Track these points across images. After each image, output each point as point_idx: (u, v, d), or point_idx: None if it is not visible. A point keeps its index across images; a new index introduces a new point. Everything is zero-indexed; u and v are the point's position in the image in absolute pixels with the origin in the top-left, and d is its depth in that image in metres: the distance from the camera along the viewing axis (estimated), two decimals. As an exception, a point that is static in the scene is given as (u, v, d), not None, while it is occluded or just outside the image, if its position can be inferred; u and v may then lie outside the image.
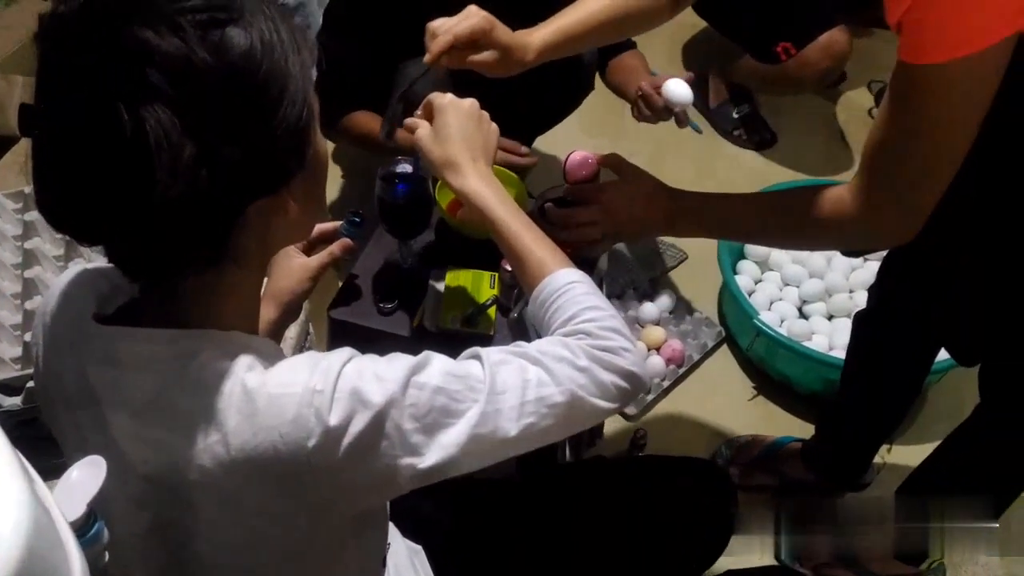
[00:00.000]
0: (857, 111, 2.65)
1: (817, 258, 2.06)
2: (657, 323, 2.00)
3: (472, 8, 1.08)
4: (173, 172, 0.65)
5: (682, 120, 1.50)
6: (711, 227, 1.18)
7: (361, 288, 1.25)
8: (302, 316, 1.42)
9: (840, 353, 1.88)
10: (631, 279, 2.08)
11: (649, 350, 1.94)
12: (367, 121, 1.71)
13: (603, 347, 0.85)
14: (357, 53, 1.62)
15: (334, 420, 0.72)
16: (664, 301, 2.04)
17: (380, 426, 0.74)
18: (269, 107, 0.72)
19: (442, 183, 1.33)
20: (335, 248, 1.13)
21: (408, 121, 1.02)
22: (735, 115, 2.56)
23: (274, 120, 0.72)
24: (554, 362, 0.83)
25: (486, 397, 0.79)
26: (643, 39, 1.73)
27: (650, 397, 1.87)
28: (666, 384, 1.90)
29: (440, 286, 1.24)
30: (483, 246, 1.12)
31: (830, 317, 2.01)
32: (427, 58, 1.06)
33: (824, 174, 2.43)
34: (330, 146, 1.71)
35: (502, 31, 1.09)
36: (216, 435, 0.72)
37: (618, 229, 1.17)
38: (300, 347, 1.39)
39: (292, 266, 1.13)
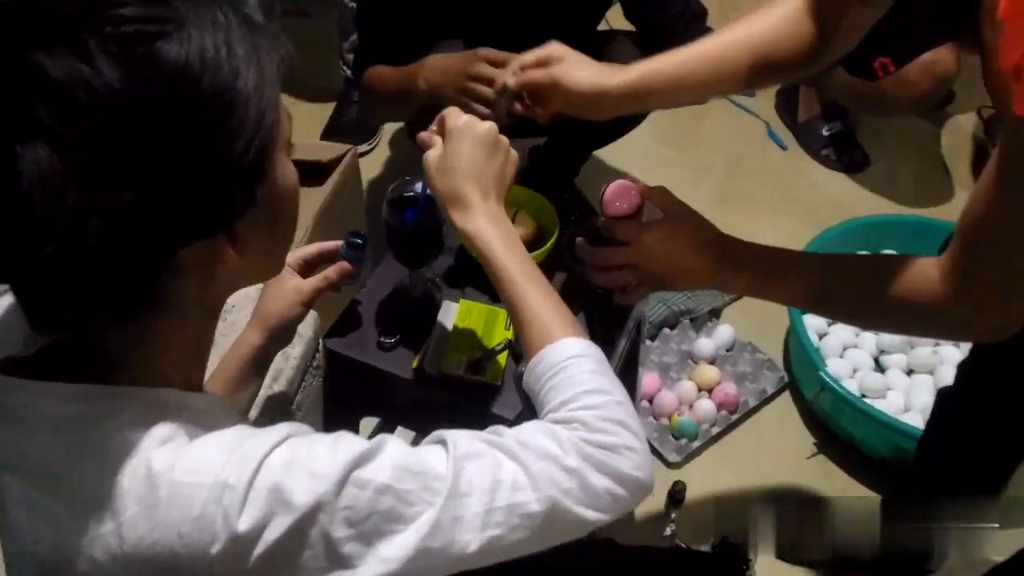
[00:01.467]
0: (963, 137, 2.39)
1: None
2: (712, 361, 1.82)
3: (553, 43, 1.08)
4: (48, 224, 0.54)
5: None
6: (764, 287, 0.99)
7: (363, 317, 1.12)
8: (310, 333, 1.30)
9: (916, 417, 1.67)
10: (688, 307, 1.89)
11: (700, 391, 1.76)
12: (389, 74, 1.50)
13: (600, 443, 0.70)
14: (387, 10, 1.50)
15: (244, 524, 0.59)
16: (723, 336, 1.85)
17: (303, 533, 0.60)
18: (204, 136, 0.60)
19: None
20: (331, 272, 1.03)
21: (421, 136, 0.89)
22: (825, 132, 2.34)
23: (211, 151, 0.60)
24: (536, 459, 0.68)
25: (444, 500, 0.64)
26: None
27: (695, 444, 1.69)
28: (715, 431, 1.72)
29: (448, 322, 1.09)
30: None
31: (909, 372, 1.80)
32: (495, 87, 1.06)
33: (920, 205, 2.19)
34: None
35: (564, 50, 1.07)
36: (111, 524, 0.60)
37: (657, 277, 1.01)
38: (304, 371, 1.27)
39: (283, 288, 1.01)
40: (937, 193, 2.26)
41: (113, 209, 0.55)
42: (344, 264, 1.03)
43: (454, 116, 0.87)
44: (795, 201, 2.24)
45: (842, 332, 1.84)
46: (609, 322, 1.15)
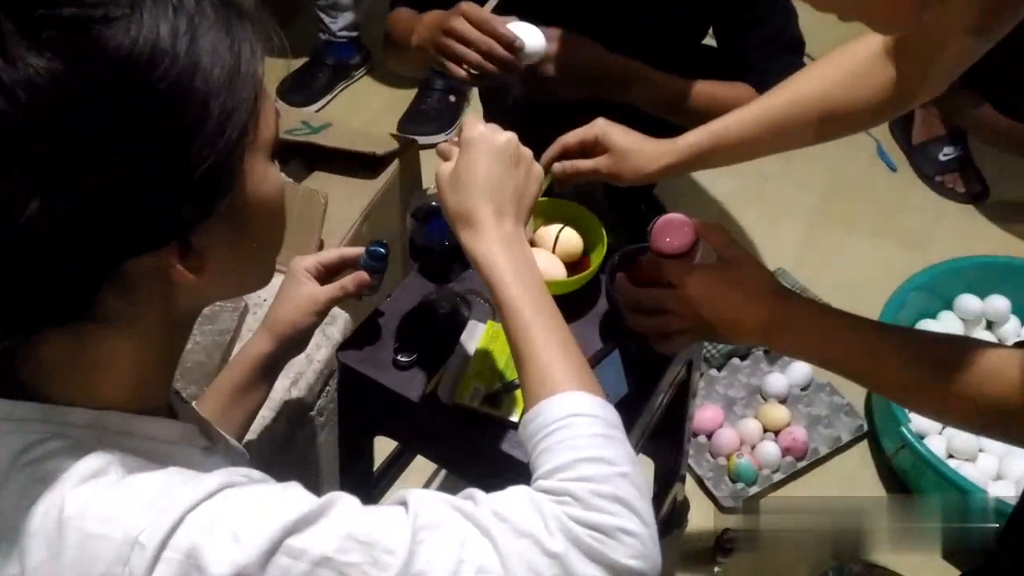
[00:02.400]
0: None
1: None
2: (783, 400, 1.67)
3: (599, 122, 1.05)
4: None
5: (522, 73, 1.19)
6: (821, 354, 0.87)
7: (382, 330, 1.04)
8: (338, 336, 1.23)
9: (1008, 487, 1.49)
10: (764, 339, 1.74)
11: (765, 432, 1.62)
12: (402, 23, 1.34)
13: (593, 524, 0.59)
14: None
15: None
16: (798, 372, 1.69)
17: None
18: (151, 137, 0.53)
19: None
20: (348, 282, 0.96)
21: (440, 148, 0.81)
22: (942, 157, 2.13)
23: (159, 155, 0.53)
24: (513, 537, 0.58)
25: None
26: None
27: (753, 490, 1.55)
28: (777, 478, 1.57)
29: (471, 346, 1.00)
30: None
31: (1009, 434, 1.60)
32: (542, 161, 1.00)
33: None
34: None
35: (619, 135, 1.04)
36: (16, 567, 0.54)
37: (702, 327, 0.91)
38: (329, 376, 1.20)
39: (297, 294, 0.95)
40: (1064, 235, 2.02)
41: (42, 213, 0.50)
42: (362, 274, 0.95)
43: (471, 125, 0.77)
44: (899, 229, 2.05)
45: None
46: (650, 363, 1.03)
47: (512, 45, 1.14)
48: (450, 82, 2.23)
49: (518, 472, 0.92)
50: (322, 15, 2.29)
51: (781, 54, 1.37)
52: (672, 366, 1.06)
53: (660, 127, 1.14)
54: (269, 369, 0.95)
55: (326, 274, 0.97)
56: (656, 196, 1.97)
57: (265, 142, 0.60)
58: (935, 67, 0.91)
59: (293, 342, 0.95)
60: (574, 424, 0.65)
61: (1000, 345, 0.81)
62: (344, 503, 0.58)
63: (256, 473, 0.62)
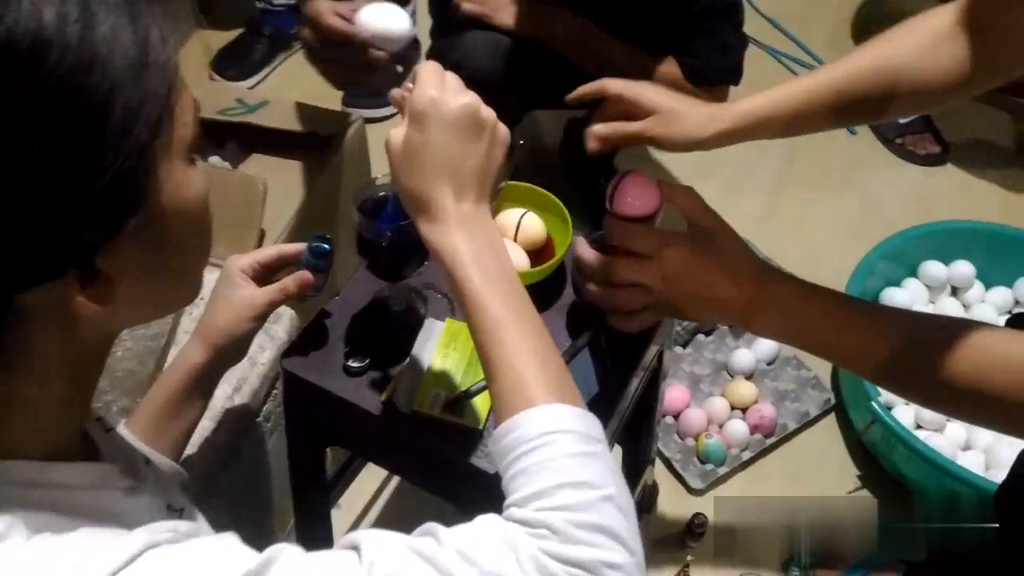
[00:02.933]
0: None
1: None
2: (750, 376, 1.63)
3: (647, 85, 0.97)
4: None
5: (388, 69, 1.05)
6: (807, 340, 0.80)
7: (330, 332, 0.95)
8: (283, 336, 1.15)
9: (977, 457, 1.48)
10: (729, 313, 1.69)
11: (732, 409, 1.58)
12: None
13: (574, 560, 0.52)
14: None
15: None
16: (764, 347, 1.65)
17: None
18: (37, 143, 0.45)
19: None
20: (290, 283, 0.87)
21: (392, 95, 0.70)
22: (902, 119, 2.09)
23: (47, 165, 0.45)
24: None
25: None
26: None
27: (722, 470, 1.51)
28: (746, 456, 1.53)
29: (429, 347, 0.93)
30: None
31: (976, 402, 1.58)
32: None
33: (1004, 212, 1.94)
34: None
35: (660, 96, 0.95)
36: None
37: (674, 303, 0.82)
38: (275, 379, 1.12)
39: (232, 299, 0.86)
40: (1024, 196, 2.01)
41: None
42: (304, 274, 0.87)
43: (422, 84, 0.65)
44: (861, 193, 2.01)
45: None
46: (622, 352, 0.97)
47: (361, 44, 1.01)
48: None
49: (484, 483, 0.86)
50: None
51: (715, 33, 1.40)
52: (647, 350, 1.01)
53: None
54: (205, 381, 0.87)
55: (264, 273, 0.89)
56: (616, 166, 1.91)
57: (182, 141, 0.52)
58: (1007, 43, 0.85)
59: (230, 351, 0.87)
60: (553, 443, 0.58)
61: (992, 326, 0.76)
62: (287, 556, 0.50)
63: (184, 525, 0.55)
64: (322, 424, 0.97)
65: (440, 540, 0.53)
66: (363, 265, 0.98)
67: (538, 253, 1.02)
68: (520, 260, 0.99)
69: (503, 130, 0.68)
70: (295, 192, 1.35)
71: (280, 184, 1.32)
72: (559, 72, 1.43)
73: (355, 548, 0.52)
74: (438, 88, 0.65)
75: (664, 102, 0.94)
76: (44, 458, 0.54)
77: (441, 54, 1.46)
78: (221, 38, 2.24)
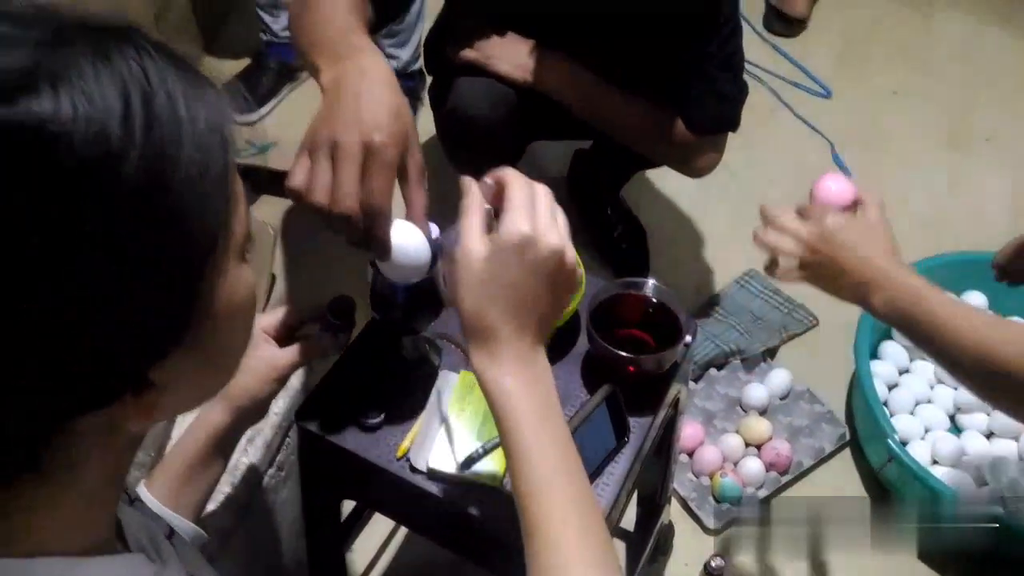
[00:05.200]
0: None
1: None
2: (763, 412, 1.61)
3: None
4: None
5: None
6: (915, 329, 0.89)
7: (344, 387, 0.94)
8: (297, 384, 1.14)
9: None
10: (740, 346, 1.68)
11: (747, 447, 1.56)
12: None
13: None
14: None
15: None
16: (777, 381, 1.64)
17: None
18: (95, 262, 0.40)
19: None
20: (311, 344, 0.86)
21: (473, 190, 0.64)
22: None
23: (107, 283, 0.41)
24: None
25: None
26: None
27: (739, 510, 1.49)
28: (762, 495, 1.52)
29: (444, 401, 0.92)
30: None
31: (990, 435, 1.56)
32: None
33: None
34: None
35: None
36: None
37: (822, 267, 0.97)
38: (288, 429, 1.11)
39: (255, 360, 0.85)
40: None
41: None
42: (325, 335, 0.86)
43: (517, 213, 0.61)
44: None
45: (915, 385, 1.62)
46: (644, 397, 0.96)
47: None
48: (407, 83, 2.12)
49: (502, 542, 0.85)
50: (263, 14, 2.16)
51: (716, 81, 1.39)
52: (669, 390, 1.00)
53: None
54: (226, 442, 0.85)
55: (285, 332, 0.87)
56: (622, 198, 1.90)
57: (238, 239, 0.49)
58: None
59: (251, 412, 0.85)
60: None
61: None
62: None
63: None
64: (338, 480, 0.95)
65: None
66: (376, 317, 0.97)
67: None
68: (535, 310, 0.98)
69: (579, 274, 0.67)
70: (305, 236, 1.34)
71: (290, 228, 1.31)
72: (560, 108, 1.43)
73: None
74: (531, 222, 0.62)
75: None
76: (82, 553, 0.52)
77: (440, 99, 1.45)
78: (227, 69, 2.24)
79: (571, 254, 0.64)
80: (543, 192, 0.64)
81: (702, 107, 1.41)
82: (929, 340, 0.89)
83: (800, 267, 0.98)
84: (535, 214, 0.62)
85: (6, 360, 0.40)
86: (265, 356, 0.84)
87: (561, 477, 0.60)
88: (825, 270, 0.96)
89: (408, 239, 0.76)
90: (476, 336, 0.62)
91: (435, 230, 0.78)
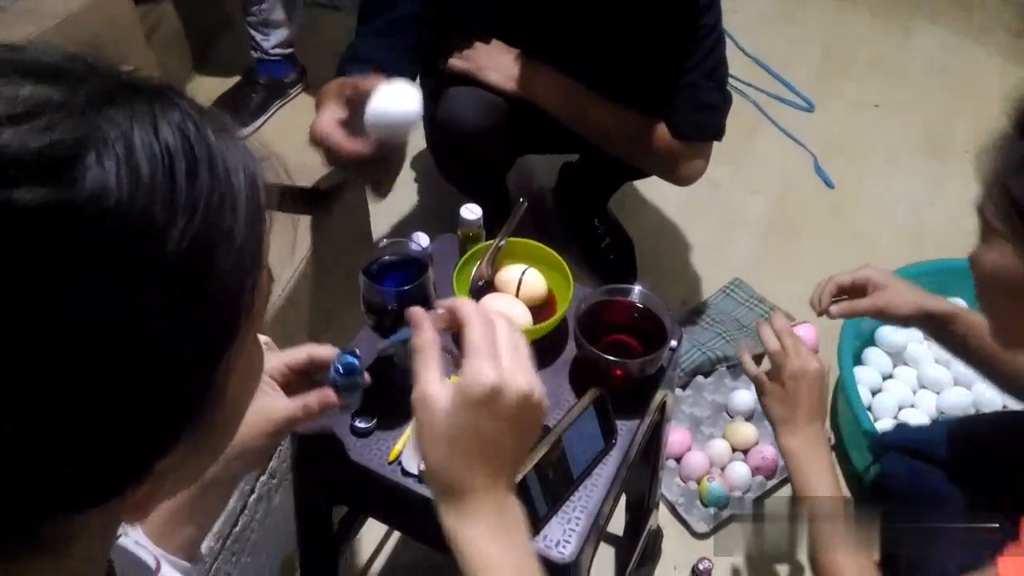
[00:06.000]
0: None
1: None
2: (749, 417, 1.64)
3: (867, 267, 1.16)
4: None
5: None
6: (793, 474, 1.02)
7: (338, 393, 0.96)
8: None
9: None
10: (726, 353, 1.71)
11: (734, 451, 1.58)
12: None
13: None
14: None
15: None
16: (763, 388, 1.66)
17: None
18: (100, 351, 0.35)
19: (462, 264, 1.03)
20: (313, 400, 0.77)
21: (434, 318, 0.62)
22: None
23: (118, 371, 0.36)
24: None
25: None
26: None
27: (726, 513, 1.52)
28: (748, 499, 1.54)
29: (436, 407, 0.93)
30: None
31: (974, 439, 1.59)
32: (812, 303, 1.17)
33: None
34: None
35: (886, 276, 1.14)
36: None
37: (783, 395, 1.04)
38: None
39: (251, 411, 0.80)
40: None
41: None
42: (329, 394, 0.77)
43: (479, 364, 0.57)
44: (847, 233, 2.04)
45: (898, 390, 1.65)
46: (630, 402, 0.99)
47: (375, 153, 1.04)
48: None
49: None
50: (253, 32, 2.19)
51: (700, 88, 1.43)
52: (654, 396, 1.02)
53: None
54: (222, 487, 0.78)
55: (293, 378, 0.79)
56: (609, 210, 1.93)
57: (259, 314, 0.44)
58: None
59: (247, 463, 0.77)
60: None
61: None
62: None
63: None
64: (331, 485, 0.97)
65: None
66: (367, 324, 0.99)
67: (539, 308, 1.04)
68: (523, 317, 1.01)
69: (546, 408, 0.61)
70: (298, 246, 1.37)
71: (276, 243, 1.33)
72: (550, 120, 1.46)
73: None
74: (496, 369, 0.57)
75: (889, 280, 1.14)
76: None
77: (430, 109, 1.48)
78: (217, 86, 2.26)
79: (539, 390, 0.59)
80: (502, 326, 0.60)
81: (688, 116, 1.44)
82: (796, 487, 1.02)
83: (767, 389, 1.05)
84: (498, 355, 0.58)
85: (14, 455, 0.36)
86: (262, 407, 0.75)
87: None
88: (777, 400, 1.04)
89: (388, 99, 0.88)
90: (445, 492, 0.58)
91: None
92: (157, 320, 0.36)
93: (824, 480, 0.99)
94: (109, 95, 0.37)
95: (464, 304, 0.61)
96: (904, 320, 1.14)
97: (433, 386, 0.58)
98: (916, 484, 1.10)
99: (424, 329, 0.60)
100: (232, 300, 0.40)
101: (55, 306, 0.34)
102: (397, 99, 0.96)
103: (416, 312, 0.62)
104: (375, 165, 1.05)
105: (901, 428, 1.22)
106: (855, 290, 1.16)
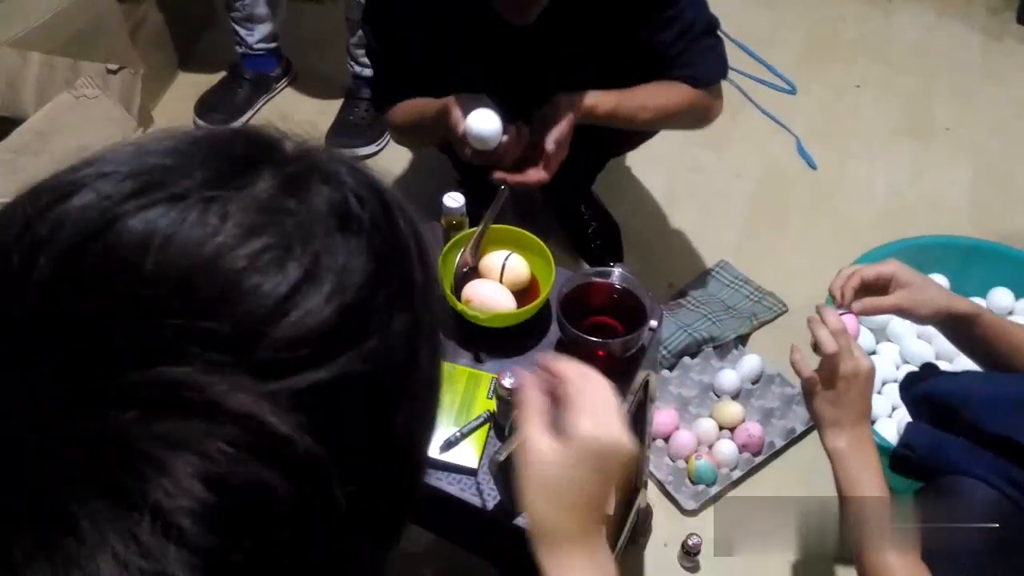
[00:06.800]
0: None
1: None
2: (736, 396, 1.67)
3: (892, 261, 1.13)
4: None
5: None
6: (837, 475, 1.03)
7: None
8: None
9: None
10: (712, 334, 1.74)
11: (721, 430, 1.61)
12: (418, 105, 1.47)
13: None
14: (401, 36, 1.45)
15: None
16: (748, 367, 1.69)
17: None
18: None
19: (446, 252, 1.06)
20: None
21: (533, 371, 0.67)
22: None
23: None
24: None
25: None
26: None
27: (714, 490, 1.55)
28: (736, 475, 1.57)
29: (423, 390, 0.96)
30: (493, 336, 0.91)
31: (956, 412, 1.62)
32: (835, 295, 1.12)
33: (979, 227, 1.99)
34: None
35: (910, 273, 1.10)
36: None
37: (828, 393, 1.04)
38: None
39: None
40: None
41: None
42: None
43: (585, 410, 0.62)
44: (832, 213, 2.07)
45: (881, 366, 1.67)
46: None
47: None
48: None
49: (478, 519, 0.90)
50: (238, 28, 2.20)
51: (698, 41, 1.47)
52: (636, 377, 1.05)
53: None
54: None
55: None
56: (595, 194, 1.95)
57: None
58: None
59: None
60: None
61: None
62: None
63: None
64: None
65: None
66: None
67: (523, 292, 1.07)
68: (507, 302, 1.03)
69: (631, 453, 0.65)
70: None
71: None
72: (534, 103, 1.48)
73: None
74: (604, 427, 0.62)
75: (914, 278, 1.11)
76: None
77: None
78: (203, 82, 2.28)
79: (634, 446, 0.64)
80: (603, 386, 0.65)
81: (698, 65, 1.48)
82: (839, 488, 1.03)
83: (817, 385, 1.03)
84: (605, 415, 0.63)
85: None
86: None
87: None
88: (828, 402, 1.02)
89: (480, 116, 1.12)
90: (546, 538, 0.63)
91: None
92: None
93: (871, 480, 0.99)
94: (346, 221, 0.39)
95: (562, 363, 0.66)
96: (925, 320, 1.12)
97: (541, 439, 0.62)
98: (940, 460, 1.05)
99: (528, 386, 0.65)
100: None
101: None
102: (485, 121, 1.23)
103: (519, 372, 0.68)
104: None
105: (930, 370, 1.21)
106: (878, 285, 1.13)
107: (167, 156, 0.37)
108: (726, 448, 1.57)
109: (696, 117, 1.57)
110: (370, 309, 0.37)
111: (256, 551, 0.33)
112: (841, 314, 1.06)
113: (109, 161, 0.37)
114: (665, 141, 1.78)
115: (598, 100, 1.40)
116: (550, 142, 1.31)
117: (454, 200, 1.12)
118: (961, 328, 1.12)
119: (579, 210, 1.92)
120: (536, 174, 1.33)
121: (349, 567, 0.39)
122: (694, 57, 1.48)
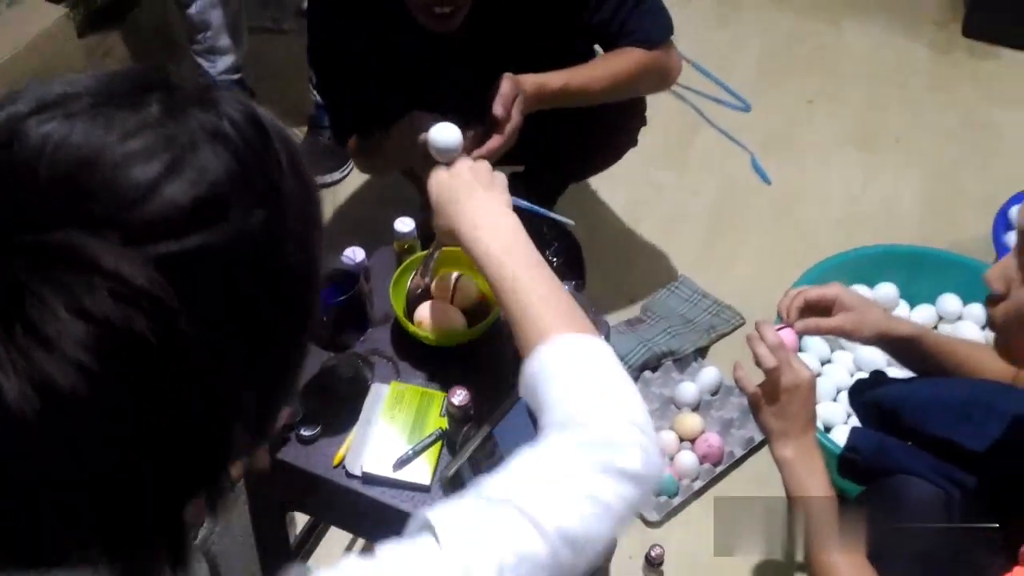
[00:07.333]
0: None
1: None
2: (696, 407, 1.70)
3: (835, 285, 1.18)
4: None
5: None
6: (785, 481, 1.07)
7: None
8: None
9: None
10: (672, 348, 1.78)
11: (681, 441, 1.65)
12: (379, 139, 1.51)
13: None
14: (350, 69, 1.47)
15: None
16: (707, 378, 1.73)
17: None
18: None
19: (398, 275, 1.09)
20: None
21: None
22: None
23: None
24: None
25: None
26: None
27: (676, 501, 1.58)
28: (697, 486, 1.60)
29: (376, 411, 0.99)
30: (446, 356, 0.94)
31: (909, 416, 1.67)
32: (782, 314, 1.17)
33: (928, 235, 2.05)
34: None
35: (853, 297, 1.16)
36: None
37: (771, 408, 1.07)
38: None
39: None
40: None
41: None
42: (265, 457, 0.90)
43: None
44: (788, 225, 2.12)
45: (836, 374, 1.72)
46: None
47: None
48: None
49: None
50: (200, 60, 2.23)
51: (637, 8, 1.49)
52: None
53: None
54: None
55: None
56: (554, 215, 1.99)
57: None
58: None
59: None
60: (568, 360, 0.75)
61: None
62: None
63: None
64: (281, 491, 1.02)
65: (501, 482, 0.64)
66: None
67: (475, 311, 1.10)
68: (457, 321, 1.06)
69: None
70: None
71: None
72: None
73: (426, 528, 0.58)
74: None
75: (857, 302, 1.15)
76: None
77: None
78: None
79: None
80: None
81: (647, 28, 1.50)
82: (788, 491, 1.07)
83: (759, 401, 1.07)
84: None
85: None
86: None
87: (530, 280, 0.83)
88: (773, 414, 1.06)
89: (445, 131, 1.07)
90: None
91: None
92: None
93: (818, 485, 1.02)
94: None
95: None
96: (868, 341, 1.17)
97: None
98: (883, 461, 1.11)
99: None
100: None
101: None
102: (445, 133, 1.16)
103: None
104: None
105: (879, 377, 1.27)
106: (821, 306, 1.18)
107: (76, 85, 0.47)
108: (687, 459, 1.60)
109: (657, 78, 1.58)
110: (228, 201, 0.45)
111: (126, 377, 0.41)
112: (779, 329, 1.09)
113: (30, 89, 0.46)
114: (626, 161, 1.82)
115: (547, 78, 1.41)
116: (497, 107, 1.30)
117: (404, 224, 1.15)
118: (903, 348, 1.18)
119: (541, 231, 1.96)
120: (492, 142, 1.32)
121: (233, 413, 0.47)
122: (637, 23, 1.51)
